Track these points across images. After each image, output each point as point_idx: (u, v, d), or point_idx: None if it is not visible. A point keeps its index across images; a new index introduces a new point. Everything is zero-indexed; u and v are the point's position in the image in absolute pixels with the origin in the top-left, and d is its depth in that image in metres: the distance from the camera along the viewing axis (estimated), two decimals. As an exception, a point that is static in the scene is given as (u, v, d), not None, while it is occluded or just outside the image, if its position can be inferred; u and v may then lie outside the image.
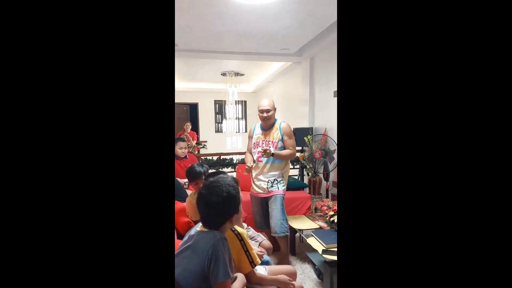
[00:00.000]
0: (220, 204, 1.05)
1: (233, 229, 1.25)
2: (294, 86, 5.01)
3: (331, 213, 2.06)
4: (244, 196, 2.60)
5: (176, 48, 3.61)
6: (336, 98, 3.02)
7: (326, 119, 3.56)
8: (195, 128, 7.44)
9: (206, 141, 7.85)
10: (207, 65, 5.08)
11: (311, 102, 3.91)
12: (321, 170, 3.24)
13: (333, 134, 3.27)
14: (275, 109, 2.18)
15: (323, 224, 2.18)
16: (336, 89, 2.77)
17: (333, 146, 3.22)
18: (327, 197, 3.21)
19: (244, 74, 5.82)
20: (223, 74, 5.74)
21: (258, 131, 2.23)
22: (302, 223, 2.27)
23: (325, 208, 2.21)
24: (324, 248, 1.79)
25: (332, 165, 3.22)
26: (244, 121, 7.74)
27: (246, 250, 1.25)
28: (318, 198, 3.14)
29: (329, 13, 2.54)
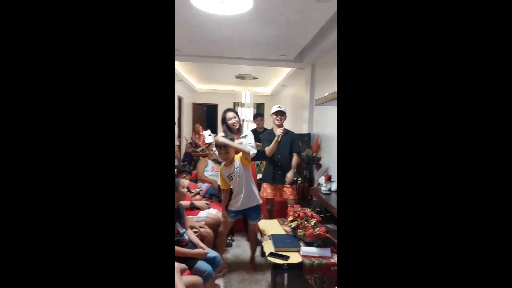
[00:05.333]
0: None
1: None
2: (300, 92, 5.03)
3: (290, 218, 2.10)
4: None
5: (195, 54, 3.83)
6: (321, 106, 3.02)
7: (323, 125, 3.55)
8: (215, 128, 7.70)
9: (224, 141, 8.07)
10: (224, 69, 5.30)
11: (311, 108, 3.91)
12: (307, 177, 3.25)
13: (326, 140, 3.27)
14: None
15: (288, 229, 2.22)
16: (320, 97, 2.77)
17: (322, 153, 3.21)
18: (312, 204, 3.21)
19: (257, 78, 5.94)
20: (237, 77, 5.92)
21: None
22: (270, 227, 2.33)
23: (291, 213, 2.25)
24: (273, 252, 1.85)
25: (320, 172, 3.22)
26: (261, 123, 7.85)
27: None
28: (304, 203, 3.15)
29: (318, 17, 2.49)
